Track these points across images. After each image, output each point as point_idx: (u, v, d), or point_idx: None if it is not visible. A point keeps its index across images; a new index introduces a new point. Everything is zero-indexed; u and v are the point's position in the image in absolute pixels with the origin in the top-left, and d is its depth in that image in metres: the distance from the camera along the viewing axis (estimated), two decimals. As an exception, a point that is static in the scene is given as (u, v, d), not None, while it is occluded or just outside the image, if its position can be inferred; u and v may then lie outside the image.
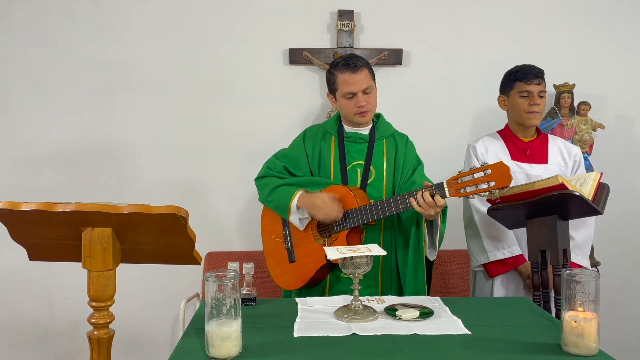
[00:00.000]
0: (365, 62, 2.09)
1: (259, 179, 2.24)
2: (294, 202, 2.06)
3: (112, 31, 3.04)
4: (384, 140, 2.17)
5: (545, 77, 2.32)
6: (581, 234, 2.29)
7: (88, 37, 3.03)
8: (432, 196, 1.82)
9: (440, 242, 2.02)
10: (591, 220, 2.31)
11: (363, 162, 2.13)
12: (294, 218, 2.09)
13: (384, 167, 2.13)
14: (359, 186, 2.10)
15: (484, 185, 1.72)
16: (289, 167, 2.19)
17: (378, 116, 2.23)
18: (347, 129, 2.18)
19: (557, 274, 2.06)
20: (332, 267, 2.07)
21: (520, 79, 2.28)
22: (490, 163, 2.12)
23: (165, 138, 3.08)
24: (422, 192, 1.83)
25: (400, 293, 2.05)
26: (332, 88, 2.14)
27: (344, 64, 2.07)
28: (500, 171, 1.70)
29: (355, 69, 2.05)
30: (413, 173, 2.12)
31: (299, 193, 2.07)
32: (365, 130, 2.17)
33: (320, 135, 2.21)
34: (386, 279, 2.09)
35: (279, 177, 2.18)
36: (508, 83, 2.33)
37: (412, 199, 1.85)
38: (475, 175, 1.73)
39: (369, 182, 2.11)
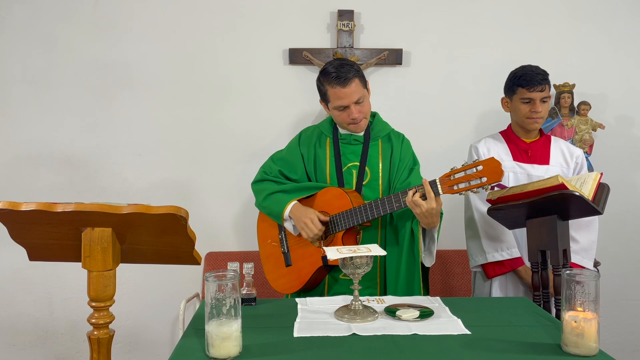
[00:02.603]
0: (355, 72, 2.01)
1: (255, 183, 2.24)
2: (287, 212, 2.08)
3: (112, 31, 3.04)
4: (379, 140, 2.16)
5: (549, 78, 2.29)
6: (587, 236, 2.29)
7: (88, 37, 3.03)
8: (424, 197, 1.82)
9: (436, 244, 2.01)
10: (595, 223, 2.30)
11: (358, 164, 2.12)
12: (287, 225, 2.12)
13: (380, 167, 2.12)
14: (354, 188, 2.10)
15: (477, 181, 1.72)
16: (285, 170, 2.19)
17: (374, 115, 2.21)
18: (342, 130, 2.17)
19: (557, 274, 2.06)
20: (329, 269, 2.07)
21: (522, 85, 2.24)
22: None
23: (165, 138, 3.08)
24: (417, 189, 1.84)
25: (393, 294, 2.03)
26: (323, 98, 2.11)
27: (334, 77, 1.99)
28: (491, 167, 1.71)
29: (345, 83, 1.98)
30: (409, 174, 2.11)
31: (292, 204, 2.08)
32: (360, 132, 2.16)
33: (315, 137, 2.20)
34: (383, 279, 2.08)
35: (275, 181, 2.18)
36: (511, 87, 2.30)
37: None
38: (468, 172, 1.74)
39: (364, 183, 2.10)
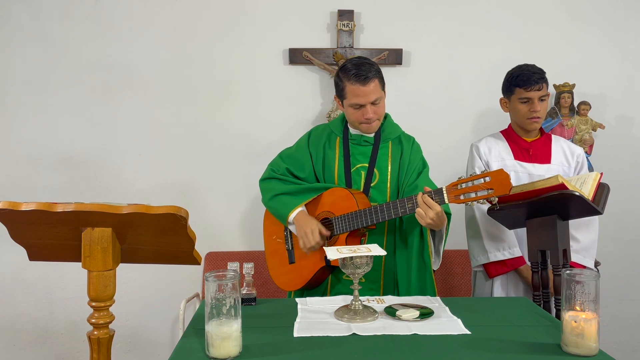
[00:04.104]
0: (376, 72, 1.99)
1: (262, 180, 2.24)
2: (291, 217, 2.08)
3: (112, 31, 3.04)
4: (389, 142, 2.14)
5: (546, 76, 2.30)
6: (588, 235, 2.29)
7: (88, 37, 3.03)
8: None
9: (442, 249, 2.00)
10: (595, 222, 2.30)
11: (367, 165, 2.11)
12: (292, 228, 2.12)
13: (389, 169, 2.11)
14: (362, 189, 2.09)
15: (483, 193, 1.71)
16: (292, 168, 2.18)
17: (385, 117, 2.19)
18: (352, 131, 2.15)
19: (557, 274, 2.06)
20: (331, 269, 2.07)
21: (520, 85, 2.23)
22: (492, 164, 2.11)
23: (165, 138, 3.08)
24: (422, 195, 1.83)
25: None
26: (340, 94, 2.07)
27: (354, 74, 1.96)
28: (499, 179, 1.69)
29: (365, 81, 1.95)
30: (418, 176, 2.09)
31: (298, 210, 2.07)
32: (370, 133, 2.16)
33: (325, 136, 2.19)
34: (388, 281, 2.08)
35: (282, 179, 2.18)
36: (509, 87, 2.29)
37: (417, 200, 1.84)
38: (475, 182, 1.73)
39: (372, 185, 2.09)
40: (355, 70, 1.97)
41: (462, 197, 1.76)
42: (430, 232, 1.97)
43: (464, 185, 1.76)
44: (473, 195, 1.74)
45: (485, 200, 1.74)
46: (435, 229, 1.92)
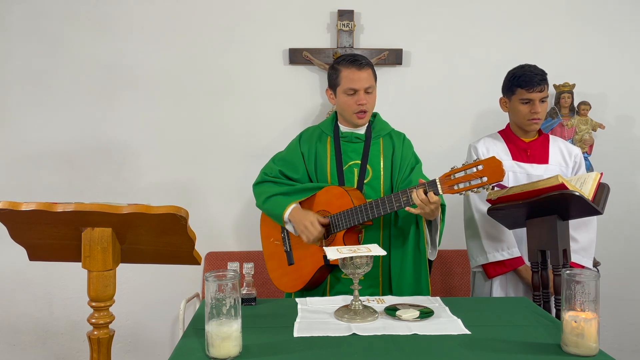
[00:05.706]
0: (370, 63, 2.12)
1: (255, 185, 2.26)
2: (286, 215, 2.09)
3: (112, 31, 3.04)
4: (380, 139, 2.17)
5: (547, 77, 2.30)
6: (586, 235, 2.29)
7: (88, 37, 3.03)
8: (426, 193, 1.81)
9: (439, 241, 2.02)
10: (594, 222, 2.31)
11: (359, 162, 2.13)
12: (289, 227, 2.13)
13: (381, 166, 2.13)
14: (355, 186, 2.10)
15: (477, 181, 1.71)
16: (285, 170, 2.20)
17: (374, 115, 2.23)
18: (343, 128, 2.18)
19: (557, 274, 2.06)
20: (331, 268, 2.07)
21: (522, 86, 2.23)
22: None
23: (165, 138, 3.08)
24: (416, 189, 1.83)
25: (399, 294, 2.04)
26: (333, 83, 2.13)
27: (350, 60, 2.08)
28: (492, 166, 1.69)
29: (360, 67, 2.06)
30: (411, 172, 2.12)
31: (292, 207, 2.09)
32: (361, 130, 2.17)
33: (316, 136, 2.21)
34: (387, 279, 2.09)
35: (275, 182, 2.18)
36: (510, 87, 2.30)
37: (412, 193, 1.84)
38: (468, 171, 1.73)
39: (366, 181, 2.11)
40: (351, 57, 2.10)
41: (455, 187, 1.76)
42: (425, 222, 1.98)
43: (457, 175, 1.75)
44: (467, 184, 1.73)
45: (478, 190, 1.73)
46: (430, 218, 1.94)
